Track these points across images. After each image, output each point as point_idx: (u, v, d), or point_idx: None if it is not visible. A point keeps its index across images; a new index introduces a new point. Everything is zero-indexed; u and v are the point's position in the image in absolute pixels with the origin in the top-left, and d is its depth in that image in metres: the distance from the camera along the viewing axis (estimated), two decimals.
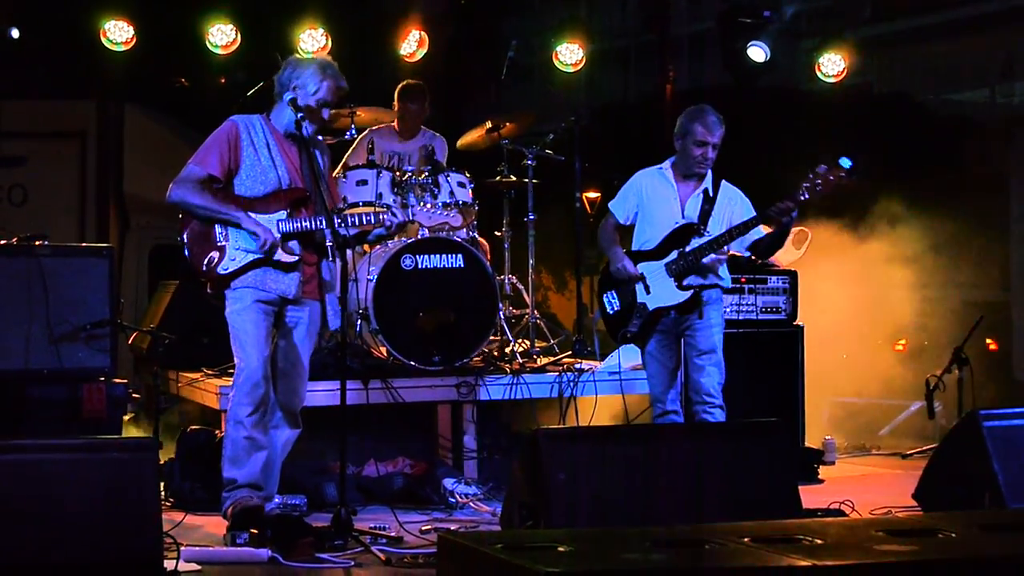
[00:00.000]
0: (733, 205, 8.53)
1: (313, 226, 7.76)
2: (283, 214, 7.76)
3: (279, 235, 7.72)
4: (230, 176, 7.76)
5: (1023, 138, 13.47)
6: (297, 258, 7.78)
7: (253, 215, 7.70)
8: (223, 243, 7.73)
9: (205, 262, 7.73)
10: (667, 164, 8.61)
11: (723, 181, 8.57)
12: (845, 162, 8.21)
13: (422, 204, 9.30)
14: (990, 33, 13.74)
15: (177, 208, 7.75)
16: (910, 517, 7.40)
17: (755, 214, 8.38)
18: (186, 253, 7.79)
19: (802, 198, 8.21)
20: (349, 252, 8.08)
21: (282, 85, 7.85)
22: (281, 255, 7.74)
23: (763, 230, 8.45)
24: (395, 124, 10.93)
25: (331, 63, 7.91)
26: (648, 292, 8.43)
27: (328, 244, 7.85)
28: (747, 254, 8.64)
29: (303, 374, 7.98)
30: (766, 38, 11.92)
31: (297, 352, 7.92)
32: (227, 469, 7.78)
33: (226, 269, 7.72)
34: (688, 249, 8.39)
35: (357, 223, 7.90)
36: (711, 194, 8.49)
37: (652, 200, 8.55)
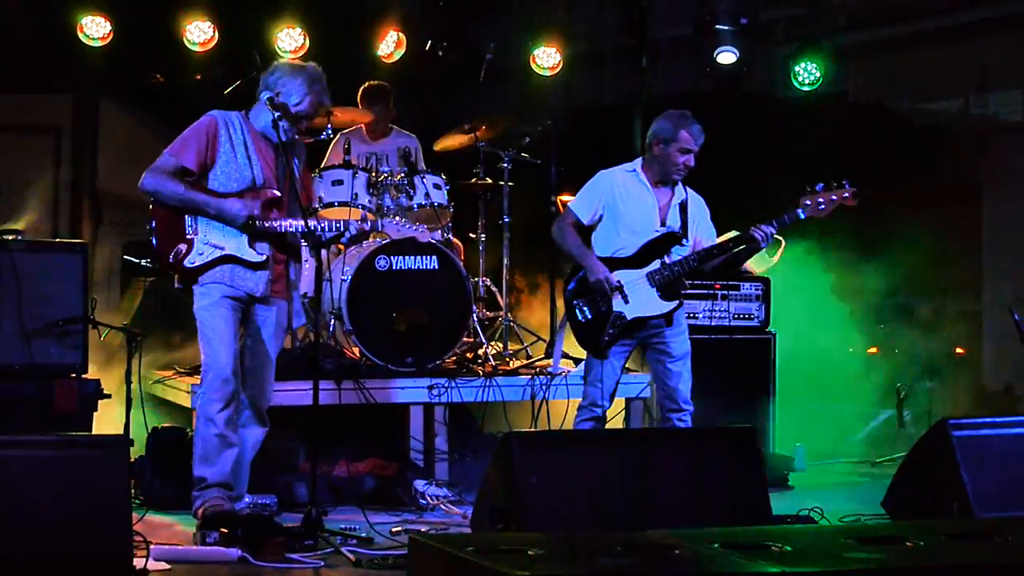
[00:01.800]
0: (700, 213, 8.53)
1: (283, 228, 7.75)
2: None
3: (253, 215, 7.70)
4: (204, 170, 7.74)
5: (997, 149, 13.52)
6: (264, 258, 7.76)
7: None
8: (191, 236, 7.71)
9: (172, 254, 7.71)
10: (637, 166, 8.47)
11: (688, 188, 8.53)
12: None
13: (393, 215, 9.29)
14: (965, 44, 13.77)
15: (149, 196, 7.74)
16: (879, 525, 7.43)
17: (734, 231, 8.37)
18: (153, 242, 7.78)
19: (801, 216, 8.24)
20: (324, 252, 8.08)
21: (266, 86, 7.82)
22: (249, 254, 7.72)
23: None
24: (364, 125, 10.96)
25: (321, 76, 7.87)
26: (627, 302, 8.30)
27: (303, 245, 7.84)
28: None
29: (270, 373, 7.98)
30: (739, 43, 11.94)
31: (265, 350, 7.91)
32: (198, 467, 7.77)
33: (193, 263, 7.70)
34: (671, 260, 8.31)
35: (328, 229, 7.86)
36: (686, 203, 8.47)
37: (627, 203, 8.38)
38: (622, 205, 8.40)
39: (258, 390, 7.94)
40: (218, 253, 7.71)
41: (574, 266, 8.45)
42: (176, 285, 7.86)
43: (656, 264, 8.31)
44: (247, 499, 7.98)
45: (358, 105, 10.95)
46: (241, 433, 7.88)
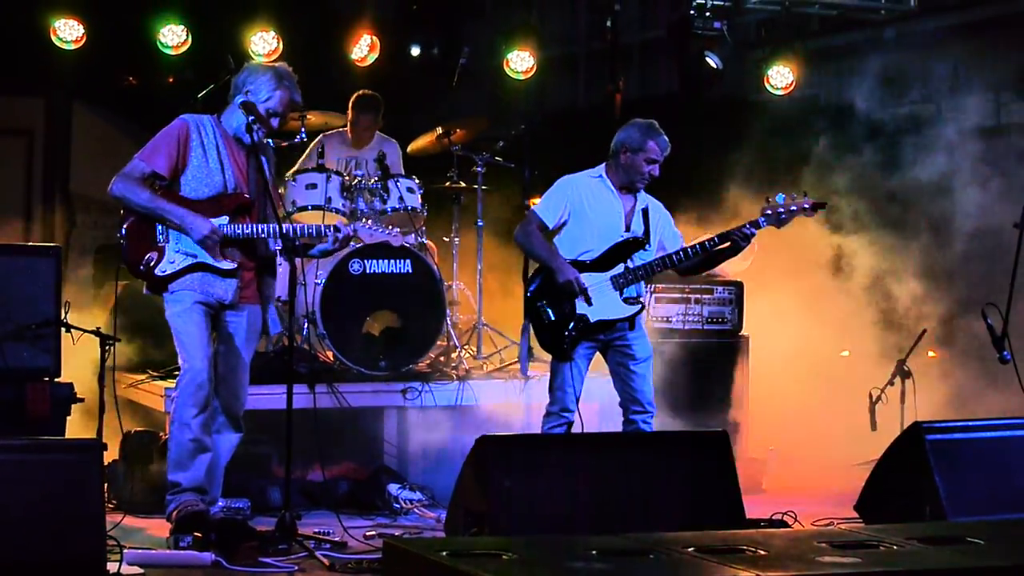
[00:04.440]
0: (663, 220, 8.60)
1: (255, 233, 7.73)
2: (225, 219, 7.71)
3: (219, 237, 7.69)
4: (175, 175, 7.72)
5: (968, 153, 13.57)
6: (236, 265, 7.74)
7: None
8: (163, 244, 7.68)
9: (143, 262, 7.68)
10: (602, 172, 8.54)
11: (649, 195, 8.60)
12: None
13: (365, 219, 9.26)
14: (937, 47, 13.83)
15: (118, 202, 7.72)
16: (852, 529, 7.45)
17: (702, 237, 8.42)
18: (123, 249, 7.74)
19: (762, 224, 8.30)
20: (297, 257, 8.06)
21: (236, 88, 7.84)
22: (219, 262, 7.70)
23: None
24: (347, 131, 10.95)
25: (290, 74, 7.88)
26: (590, 304, 8.33)
27: (276, 249, 7.82)
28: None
29: (243, 378, 7.97)
30: (717, 50, 11.98)
31: (237, 356, 7.90)
32: (172, 472, 7.76)
33: (164, 271, 7.68)
34: (634, 265, 8.37)
35: (301, 234, 7.86)
36: (648, 210, 8.52)
37: (594, 208, 8.44)
38: (590, 210, 8.46)
39: (232, 396, 7.92)
40: (190, 261, 7.69)
41: (536, 269, 8.49)
42: (145, 291, 7.86)
43: (620, 268, 8.36)
44: (221, 503, 7.97)
45: (343, 106, 10.95)
46: (215, 439, 7.86)
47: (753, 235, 8.28)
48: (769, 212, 8.30)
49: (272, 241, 7.79)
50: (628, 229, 8.45)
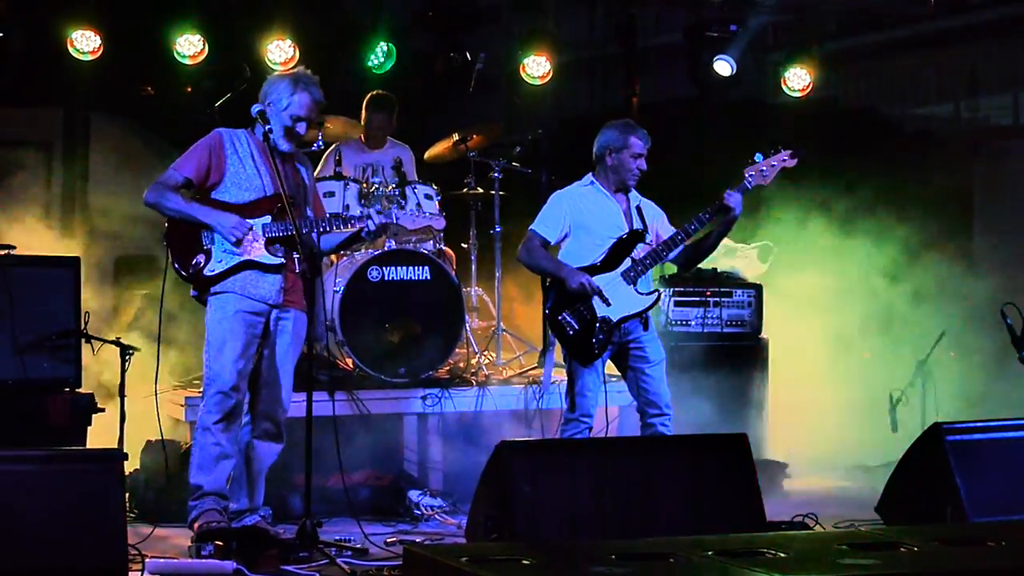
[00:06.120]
0: (656, 215, 8.67)
1: (297, 229, 7.74)
2: (268, 218, 7.81)
3: (264, 236, 7.75)
4: (211, 184, 7.81)
5: (987, 153, 13.55)
6: (281, 260, 7.80)
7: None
8: (209, 246, 7.78)
9: (192, 264, 7.77)
10: (591, 179, 8.61)
11: (639, 194, 8.65)
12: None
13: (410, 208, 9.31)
14: (955, 48, 13.80)
15: (152, 209, 7.84)
16: (873, 531, 7.44)
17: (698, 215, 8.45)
18: (170, 256, 7.83)
19: (748, 186, 8.40)
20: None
21: (260, 101, 7.91)
22: (266, 256, 7.77)
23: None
24: (361, 135, 10.97)
25: (306, 75, 7.94)
26: (608, 304, 8.34)
27: (296, 257, 7.83)
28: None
29: (286, 383, 7.97)
30: (733, 52, 11.97)
31: (280, 361, 7.93)
32: (194, 475, 7.81)
33: (213, 271, 7.77)
34: (639, 256, 8.40)
35: (341, 227, 7.93)
36: (641, 206, 8.59)
37: (594, 214, 8.50)
38: (589, 217, 8.51)
39: (274, 401, 7.95)
40: (237, 259, 7.77)
41: (548, 285, 8.49)
42: (192, 293, 7.92)
43: (627, 263, 8.40)
44: (263, 512, 7.99)
45: (361, 111, 10.97)
46: (256, 444, 7.94)
47: (734, 203, 8.32)
48: (753, 173, 8.42)
49: (323, 238, 7.84)
50: (631, 228, 8.49)
